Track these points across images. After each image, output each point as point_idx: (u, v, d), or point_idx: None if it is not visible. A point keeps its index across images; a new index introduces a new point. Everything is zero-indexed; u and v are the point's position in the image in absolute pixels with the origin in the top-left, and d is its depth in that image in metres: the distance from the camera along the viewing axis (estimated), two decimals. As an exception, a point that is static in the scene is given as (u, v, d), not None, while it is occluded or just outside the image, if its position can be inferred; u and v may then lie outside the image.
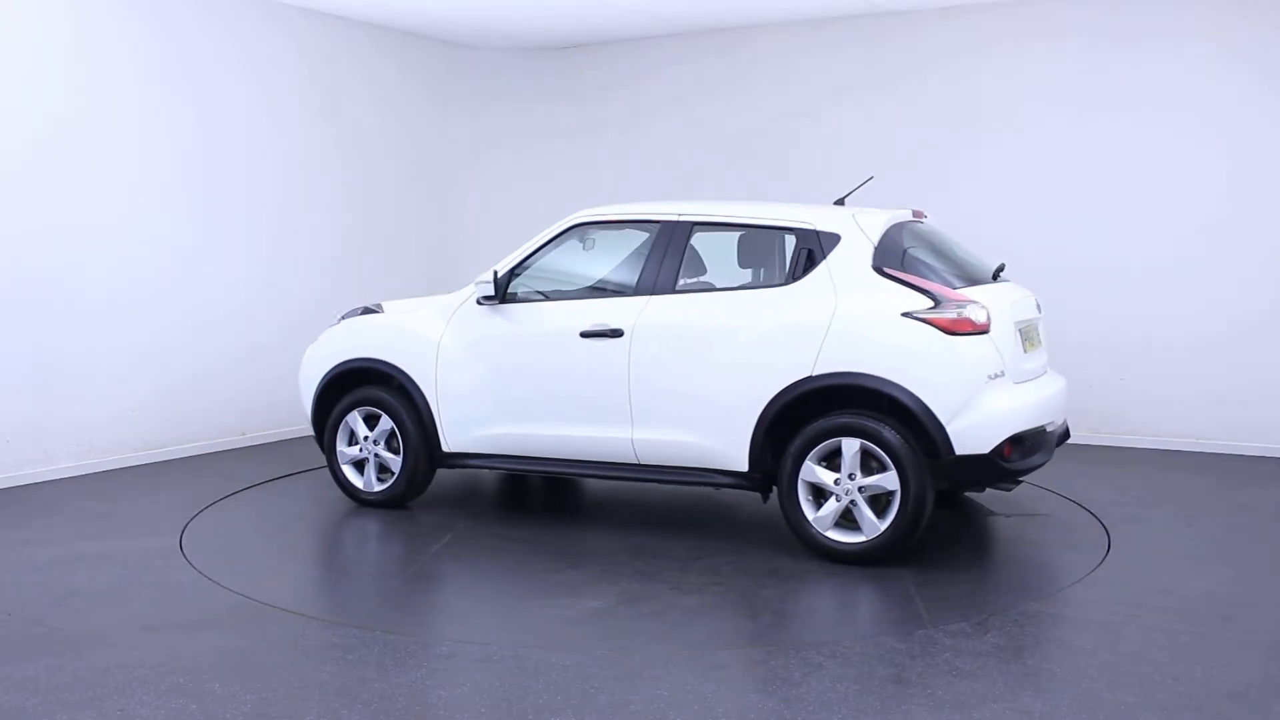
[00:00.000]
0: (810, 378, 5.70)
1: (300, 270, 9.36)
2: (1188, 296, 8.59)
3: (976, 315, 5.58)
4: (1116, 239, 8.79)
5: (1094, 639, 4.62)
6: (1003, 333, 5.71)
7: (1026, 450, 5.72)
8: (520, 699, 4.03)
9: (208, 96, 8.56)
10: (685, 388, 6.01)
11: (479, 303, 6.55)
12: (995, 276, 6.32)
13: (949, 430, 5.48)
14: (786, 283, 5.95)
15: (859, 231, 5.90)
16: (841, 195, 6.70)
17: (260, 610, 5.03)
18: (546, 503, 7.25)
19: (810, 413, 5.77)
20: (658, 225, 6.35)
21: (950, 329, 5.53)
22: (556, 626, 4.84)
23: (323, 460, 7.13)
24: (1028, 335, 6.04)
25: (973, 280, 6.10)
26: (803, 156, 9.82)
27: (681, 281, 6.21)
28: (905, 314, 5.58)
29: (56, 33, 7.58)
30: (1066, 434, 6.41)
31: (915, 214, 6.38)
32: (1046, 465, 6.04)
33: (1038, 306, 6.47)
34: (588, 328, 6.23)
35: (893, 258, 5.84)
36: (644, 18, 9.59)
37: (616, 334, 6.15)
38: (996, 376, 5.59)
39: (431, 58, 10.59)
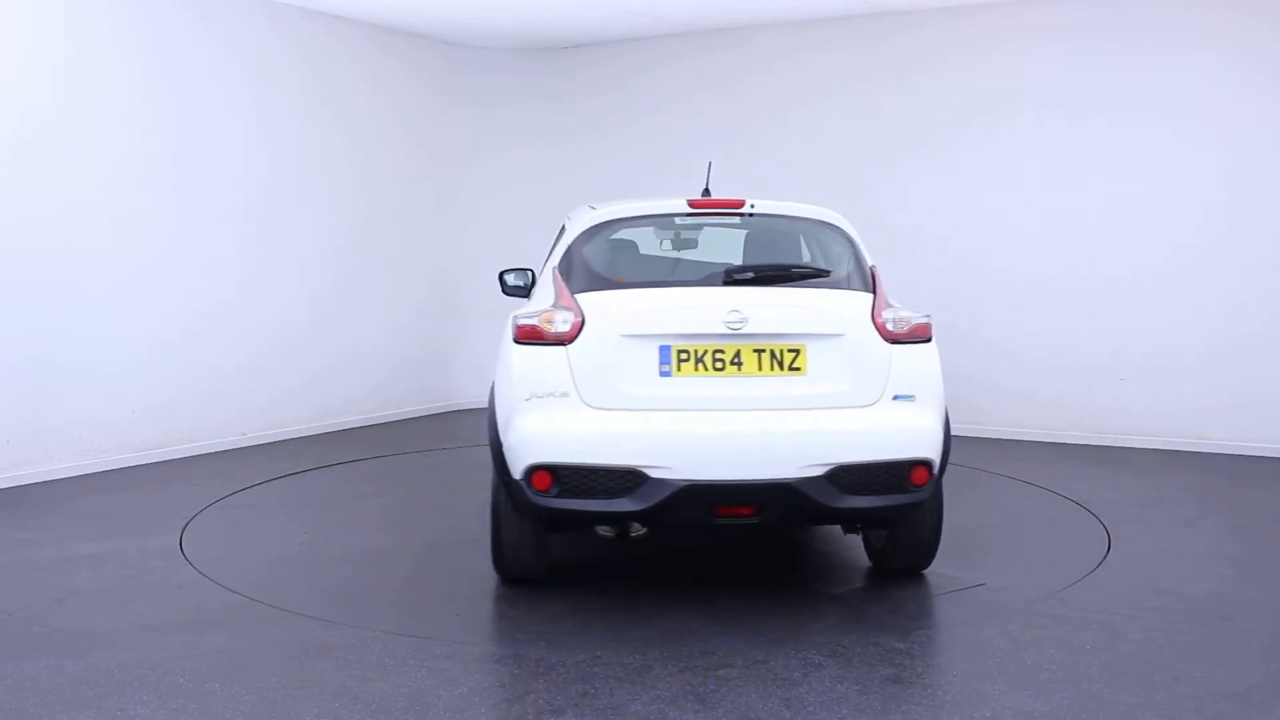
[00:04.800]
0: None
1: (301, 269, 9.36)
2: (1188, 296, 8.58)
3: (545, 323, 4.86)
4: (1116, 238, 8.79)
5: (1094, 639, 4.62)
6: (595, 347, 4.80)
7: (574, 490, 4.74)
8: (520, 699, 4.03)
9: (207, 96, 8.56)
10: None
11: None
12: (743, 279, 5.06)
13: (504, 448, 4.94)
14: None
15: (571, 229, 5.45)
16: (705, 185, 6.06)
17: (260, 610, 5.02)
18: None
19: None
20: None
21: (517, 337, 4.94)
22: (556, 626, 4.84)
23: (318, 462, 7.23)
24: (707, 354, 4.79)
25: (684, 281, 5.34)
26: (801, 154, 9.83)
27: None
28: (513, 318, 5.07)
29: (53, 37, 7.57)
30: (845, 507, 4.73)
31: (705, 203, 5.41)
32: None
33: (850, 325, 4.94)
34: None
35: (575, 258, 5.22)
36: (644, 18, 9.59)
37: None
38: (553, 396, 4.76)
39: (433, 58, 10.59)
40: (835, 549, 5.99)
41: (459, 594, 5.53)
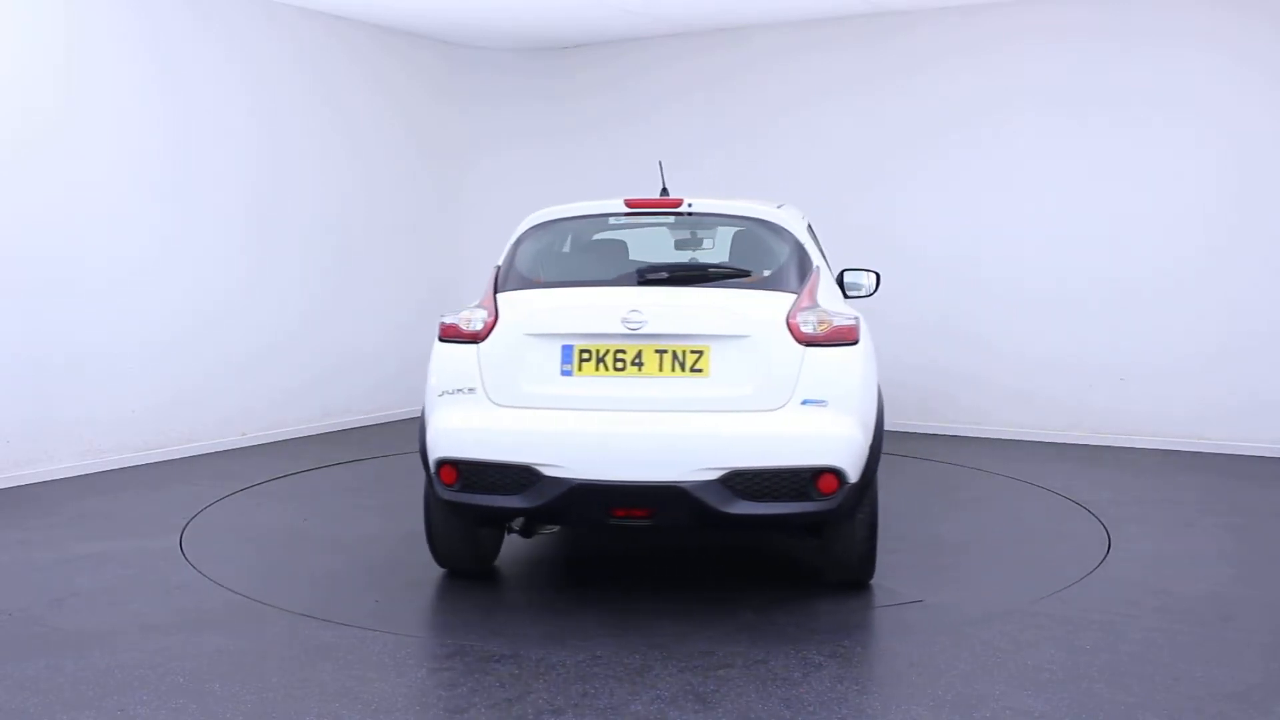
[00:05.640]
0: None
1: (301, 268, 9.37)
2: (1189, 296, 8.59)
3: (464, 322, 5.00)
4: (1116, 237, 8.79)
5: (1094, 639, 4.62)
6: (502, 345, 4.89)
7: (473, 485, 4.82)
8: (520, 699, 4.03)
9: (207, 96, 8.56)
10: None
11: None
12: (656, 279, 5.07)
13: (427, 443, 5.01)
14: None
15: (516, 231, 5.50)
16: (662, 185, 5.99)
17: (260, 610, 5.02)
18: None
19: None
20: None
21: (440, 334, 5.06)
22: (556, 626, 4.84)
23: (319, 462, 7.23)
24: (608, 354, 4.77)
25: (596, 281, 5.15)
26: (801, 154, 9.83)
27: None
28: (440, 317, 5.18)
29: (53, 37, 7.57)
30: (720, 513, 4.59)
31: (642, 203, 5.35)
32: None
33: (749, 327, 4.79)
34: None
35: (509, 259, 5.35)
36: (644, 18, 9.59)
37: None
38: (462, 392, 4.88)
39: (433, 58, 10.59)
40: (835, 549, 5.99)
41: (459, 593, 5.52)
